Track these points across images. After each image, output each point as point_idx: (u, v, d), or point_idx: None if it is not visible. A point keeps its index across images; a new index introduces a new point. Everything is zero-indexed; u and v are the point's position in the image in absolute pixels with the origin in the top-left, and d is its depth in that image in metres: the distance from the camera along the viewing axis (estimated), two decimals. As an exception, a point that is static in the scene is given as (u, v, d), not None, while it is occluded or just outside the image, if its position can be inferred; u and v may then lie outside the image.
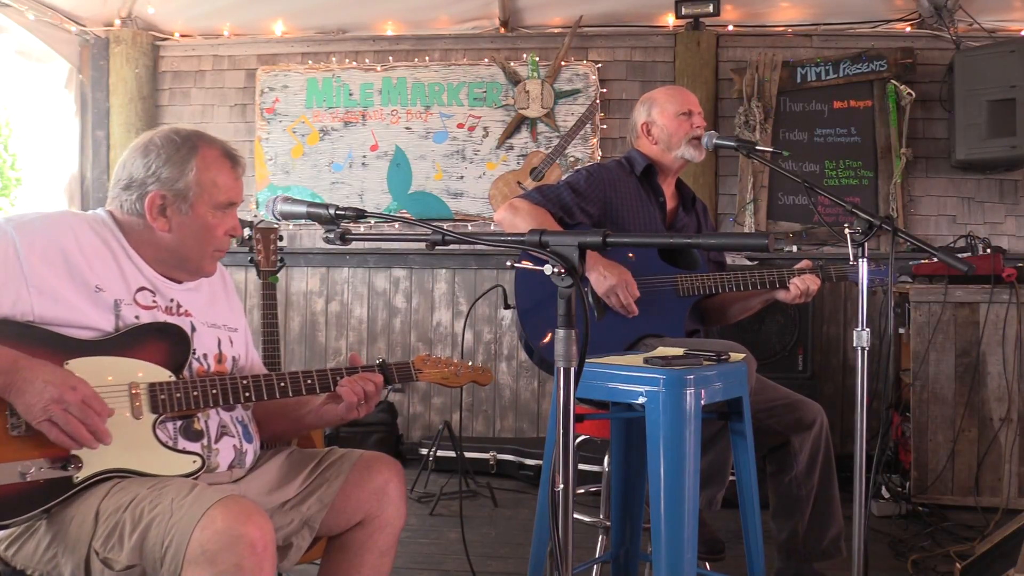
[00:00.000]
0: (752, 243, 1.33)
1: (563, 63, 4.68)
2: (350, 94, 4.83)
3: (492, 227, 4.63)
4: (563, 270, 1.30)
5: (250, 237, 2.77)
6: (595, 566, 2.50)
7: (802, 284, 2.52)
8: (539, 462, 4.11)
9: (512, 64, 4.72)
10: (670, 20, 4.66)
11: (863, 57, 4.48)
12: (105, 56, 4.84)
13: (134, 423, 1.57)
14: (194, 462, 1.61)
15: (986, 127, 4.02)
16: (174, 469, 1.58)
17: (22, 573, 1.55)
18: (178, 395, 1.62)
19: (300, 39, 4.89)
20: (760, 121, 4.47)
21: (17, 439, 1.48)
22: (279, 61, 4.89)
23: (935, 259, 2.09)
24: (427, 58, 4.81)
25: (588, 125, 4.68)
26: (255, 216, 4.68)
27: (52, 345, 1.53)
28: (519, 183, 4.68)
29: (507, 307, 2.59)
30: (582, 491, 3.29)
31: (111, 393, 1.56)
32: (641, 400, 1.92)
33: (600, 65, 4.71)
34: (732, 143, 2.47)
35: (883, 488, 3.68)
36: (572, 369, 1.33)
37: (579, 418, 2.28)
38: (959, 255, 2.88)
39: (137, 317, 1.64)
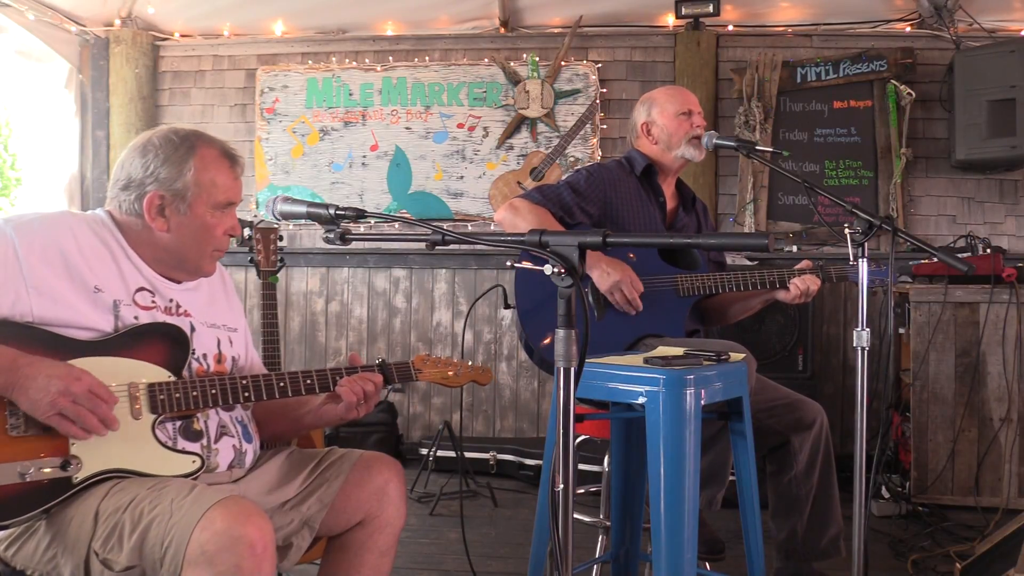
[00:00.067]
0: (752, 243, 1.33)
1: (563, 63, 4.68)
2: (350, 94, 4.83)
3: (492, 227, 4.63)
4: (563, 270, 1.30)
5: (250, 237, 2.77)
6: (595, 566, 2.50)
7: (802, 284, 2.52)
8: (539, 462, 4.11)
9: (512, 64, 4.71)
10: (670, 20, 4.66)
11: (863, 57, 4.48)
12: (105, 56, 4.84)
13: (133, 423, 1.57)
14: (193, 462, 1.61)
15: (986, 127, 4.02)
16: (173, 469, 1.58)
17: (22, 573, 1.55)
18: (177, 395, 1.62)
19: (300, 39, 4.89)
20: (760, 121, 4.47)
21: (16, 439, 1.48)
22: (279, 61, 4.89)
23: (935, 259, 2.09)
24: (427, 58, 4.81)
25: (588, 125, 4.68)
26: (255, 216, 4.68)
27: (51, 346, 1.53)
28: (519, 183, 4.68)
29: (507, 307, 2.59)
30: (582, 491, 3.29)
31: (111, 393, 1.56)
32: (641, 400, 1.92)
33: (600, 65, 4.71)
34: (732, 143, 2.47)
35: (883, 488, 3.68)
36: (572, 369, 1.33)
37: (579, 418, 2.28)
38: (959, 255, 2.88)
39: (136, 317, 1.64)
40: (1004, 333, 3.58)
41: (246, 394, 1.71)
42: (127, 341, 1.61)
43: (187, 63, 4.97)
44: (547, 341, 2.48)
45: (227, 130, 4.85)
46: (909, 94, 4.32)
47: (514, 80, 4.70)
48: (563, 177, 2.88)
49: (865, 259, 2.02)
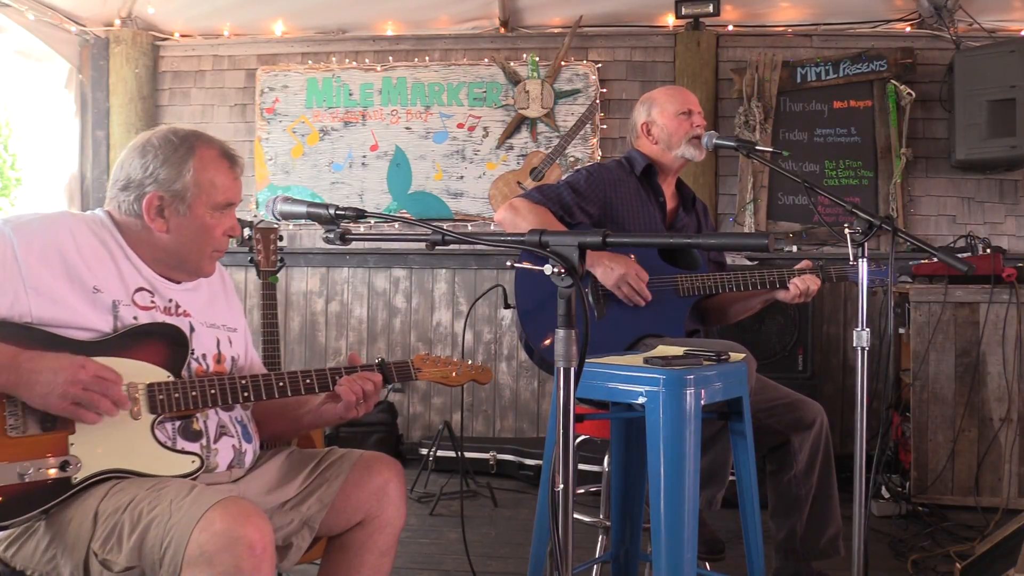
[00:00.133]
0: (752, 243, 1.33)
1: (563, 63, 4.68)
2: (350, 94, 4.82)
3: (492, 227, 4.63)
4: (563, 270, 1.30)
5: (250, 237, 2.76)
6: (595, 566, 2.50)
7: (802, 284, 2.51)
8: (539, 462, 4.11)
9: (512, 64, 4.71)
10: (670, 20, 4.66)
11: (863, 57, 4.48)
12: (105, 56, 4.84)
13: (133, 423, 1.57)
14: (193, 462, 1.61)
15: (986, 127, 4.02)
16: (173, 469, 1.58)
17: (21, 574, 1.55)
18: (176, 395, 1.62)
19: (300, 39, 4.89)
20: (760, 121, 4.47)
21: (16, 440, 1.48)
22: (279, 61, 4.89)
23: (935, 259, 2.09)
24: (427, 58, 4.81)
25: (588, 125, 4.68)
26: (255, 216, 4.68)
27: (50, 346, 1.53)
28: (519, 183, 4.68)
29: (507, 307, 2.59)
30: (582, 491, 3.29)
31: (110, 393, 1.56)
32: (641, 400, 1.92)
33: (600, 65, 4.70)
34: (732, 143, 2.47)
35: (883, 488, 3.68)
36: (572, 369, 1.33)
37: (579, 418, 2.27)
38: (959, 255, 2.87)
39: (135, 318, 1.64)
40: (1004, 333, 3.58)
41: (245, 394, 1.70)
42: (126, 341, 1.61)
43: (187, 63, 4.97)
44: (547, 342, 2.47)
45: (227, 130, 4.85)
46: (909, 94, 4.32)
47: (514, 80, 4.70)
48: (563, 177, 2.88)
49: (865, 259, 2.02)
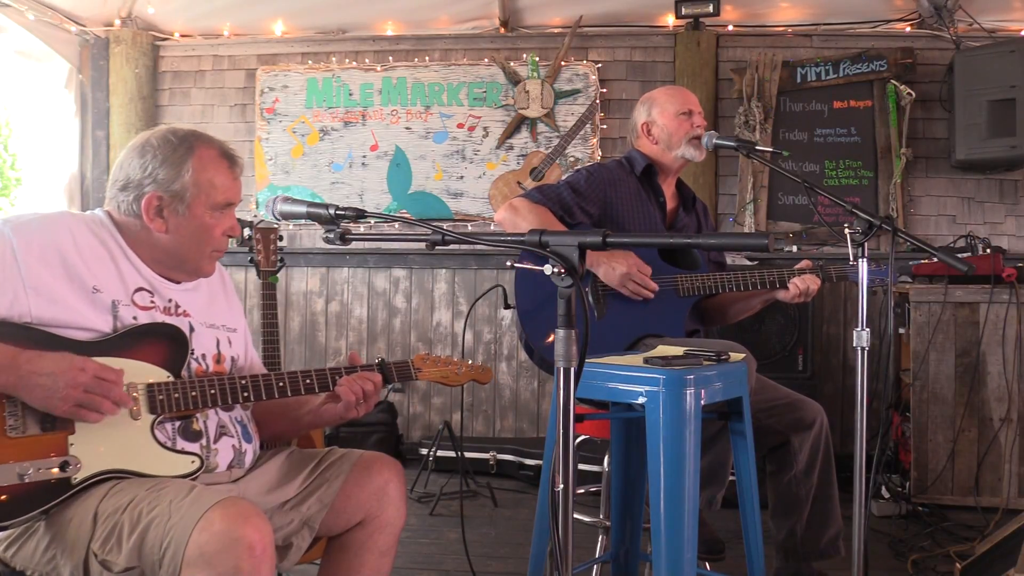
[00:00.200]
0: (752, 243, 1.33)
1: (563, 63, 4.68)
2: (350, 94, 4.82)
3: (492, 227, 4.63)
4: (563, 270, 1.30)
5: (250, 237, 2.77)
6: (595, 566, 2.50)
7: (802, 284, 2.51)
8: (539, 462, 4.11)
9: (512, 64, 4.71)
10: (670, 20, 4.66)
11: (863, 57, 4.48)
12: (105, 56, 4.84)
13: (132, 424, 1.57)
14: (193, 462, 1.61)
15: (986, 127, 4.02)
16: (173, 470, 1.58)
17: (21, 574, 1.55)
18: (176, 396, 1.62)
19: (300, 39, 4.89)
20: (760, 121, 4.47)
21: (15, 440, 1.48)
22: (279, 61, 4.89)
23: (935, 259, 2.09)
24: (427, 58, 4.81)
25: (588, 125, 4.68)
26: (255, 216, 4.68)
27: (49, 346, 1.53)
28: (519, 183, 4.68)
29: (507, 307, 2.59)
30: (582, 491, 3.29)
31: (110, 393, 1.56)
32: (641, 400, 1.92)
33: (600, 65, 4.70)
34: (732, 143, 2.47)
35: (883, 488, 3.68)
36: (572, 369, 1.33)
37: (579, 418, 2.27)
38: (959, 255, 2.87)
39: (135, 318, 1.64)
40: (1004, 333, 3.58)
41: (245, 394, 1.70)
42: (126, 341, 1.60)
43: (187, 63, 4.97)
44: (548, 341, 2.47)
45: (227, 130, 4.85)
46: (909, 94, 4.32)
47: (514, 80, 4.70)
48: (563, 177, 2.88)
49: (865, 259, 2.02)
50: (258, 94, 4.86)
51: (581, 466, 3.82)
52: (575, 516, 1.55)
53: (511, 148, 4.73)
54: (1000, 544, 2.47)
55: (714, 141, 2.54)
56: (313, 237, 4.84)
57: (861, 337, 2.02)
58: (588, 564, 2.46)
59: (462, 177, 4.76)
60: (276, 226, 2.78)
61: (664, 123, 2.69)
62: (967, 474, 3.59)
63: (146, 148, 1.68)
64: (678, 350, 2.13)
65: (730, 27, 4.64)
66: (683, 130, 2.66)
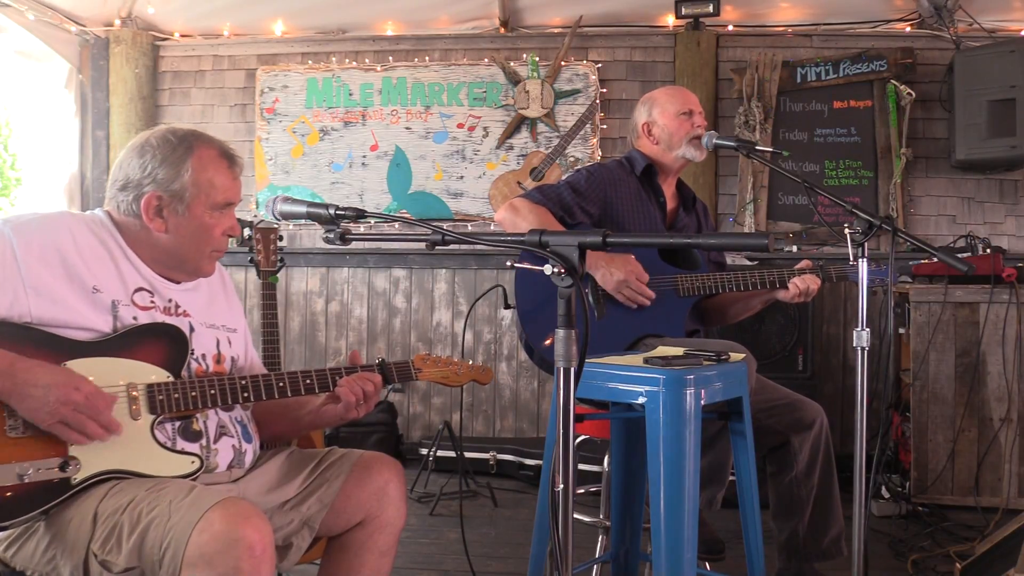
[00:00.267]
0: (752, 243, 1.33)
1: (563, 63, 4.68)
2: (350, 94, 4.82)
3: (492, 227, 4.63)
4: (563, 270, 1.30)
5: (250, 237, 2.77)
6: (595, 566, 2.50)
7: (802, 284, 2.51)
8: (539, 462, 4.11)
9: (512, 64, 4.71)
10: (670, 20, 4.66)
11: (863, 57, 4.48)
12: (105, 56, 4.84)
13: (132, 424, 1.57)
14: (192, 463, 1.61)
15: (986, 127, 4.02)
16: (172, 470, 1.58)
17: (21, 574, 1.55)
18: (176, 396, 1.62)
19: (300, 39, 4.89)
20: (760, 121, 4.47)
21: (15, 440, 1.48)
22: (279, 61, 4.89)
23: (935, 259, 2.09)
24: (427, 58, 4.81)
25: (588, 125, 4.68)
26: (255, 216, 4.69)
27: (50, 346, 1.53)
28: (519, 183, 4.68)
29: (507, 307, 2.59)
30: (582, 491, 3.29)
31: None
32: (641, 400, 1.92)
33: (600, 65, 4.70)
34: (732, 143, 2.47)
35: (883, 488, 3.68)
36: (572, 369, 1.33)
37: (579, 418, 2.27)
38: (959, 255, 2.87)
39: (135, 318, 1.64)
40: (1004, 333, 3.58)
41: (245, 394, 1.70)
42: (126, 341, 1.60)
43: (187, 63, 4.97)
44: (548, 343, 2.47)
45: (227, 130, 4.85)
46: (909, 94, 4.32)
47: (514, 80, 4.70)
48: (563, 177, 2.88)
49: (865, 259, 2.02)
50: (258, 94, 4.86)
51: (581, 466, 3.82)
52: (575, 516, 1.55)
53: (511, 148, 4.73)
54: (1000, 544, 2.47)
55: (714, 141, 2.54)
56: (313, 237, 4.84)
57: (861, 337, 2.02)
58: (588, 564, 2.46)
59: (462, 177, 4.76)
60: (276, 226, 2.78)
61: (665, 123, 2.69)
62: (967, 474, 3.59)
63: (145, 148, 1.68)
64: (678, 350, 2.13)
65: (730, 27, 4.64)
66: (684, 130, 2.66)
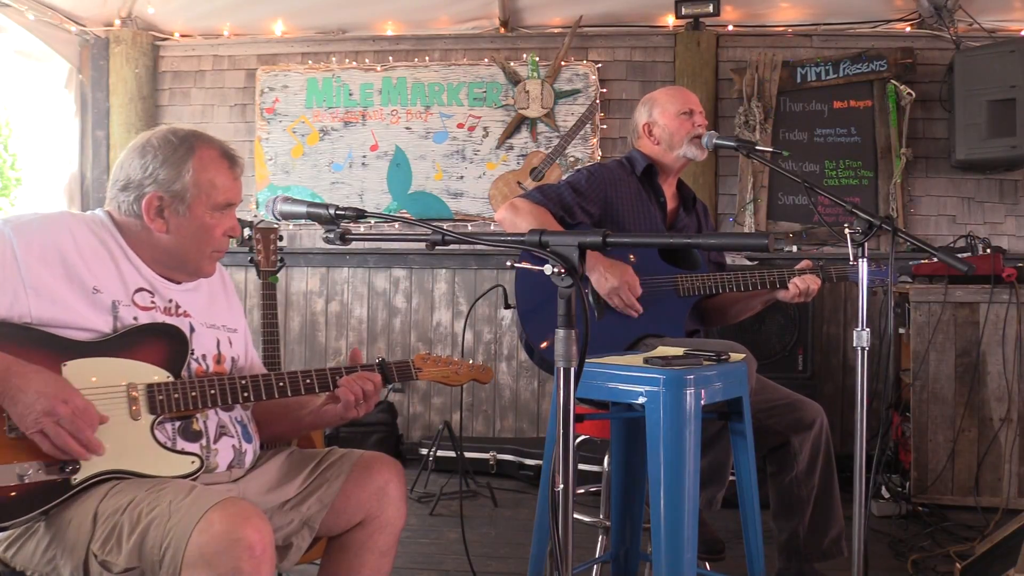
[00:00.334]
0: (752, 243, 1.33)
1: (563, 63, 4.68)
2: (350, 94, 4.82)
3: (492, 227, 4.63)
4: (563, 270, 1.30)
5: (250, 237, 2.77)
6: (595, 566, 2.50)
7: (802, 284, 2.51)
8: (539, 462, 4.11)
9: (512, 64, 4.71)
10: (670, 20, 4.66)
11: (863, 57, 4.48)
12: (105, 56, 4.84)
13: (132, 424, 1.57)
14: (193, 463, 1.61)
15: (986, 127, 4.02)
16: (173, 470, 1.58)
17: (21, 575, 1.55)
18: (176, 396, 1.62)
19: (300, 39, 4.89)
20: (760, 121, 4.47)
21: (15, 441, 1.48)
22: (279, 61, 4.89)
23: (935, 259, 2.09)
24: (427, 58, 4.81)
25: (588, 125, 4.68)
26: (255, 216, 4.68)
27: (49, 347, 1.53)
28: (519, 183, 4.68)
29: (507, 307, 2.59)
30: (582, 491, 3.29)
31: (108, 394, 1.56)
32: (641, 400, 1.92)
33: (600, 65, 4.70)
34: (732, 143, 2.47)
35: (883, 488, 3.68)
36: (572, 369, 1.33)
37: (579, 418, 2.27)
38: (959, 255, 2.87)
39: (135, 318, 1.64)
40: (1004, 333, 3.58)
41: (245, 394, 1.70)
42: (126, 341, 1.60)
43: (187, 63, 4.97)
44: (545, 345, 2.47)
45: (227, 130, 4.85)
46: (909, 94, 4.32)
47: (514, 80, 4.70)
48: (563, 177, 2.88)
49: (865, 259, 2.02)
50: (258, 94, 4.86)
51: (581, 466, 3.82)
52: (575, 516, 1.55)
53: (511, 148, 4.73)
54: (1000, 544, 2.47)
55: (714, 141, 2.54)
56: (313, 237, 4.84)
57: (861, 337, 2.02)
58: (588, 564, 2.46)
59: (462, 177, 4.76)
60: (276, 226, 2.78)
61: (665, 123, 2.69)
62: (967, 474, 3.59)
63: (147, 148, 1.67)
64: (678, 350, 2.13)
65: (730, 27, 4.64)
66: (684, 130, 2.66)
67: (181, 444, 1.63)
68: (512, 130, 4.71)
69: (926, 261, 3.64)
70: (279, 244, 2.80)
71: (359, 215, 1.48)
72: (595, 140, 4.67)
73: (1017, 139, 3.94)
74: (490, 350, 4.76)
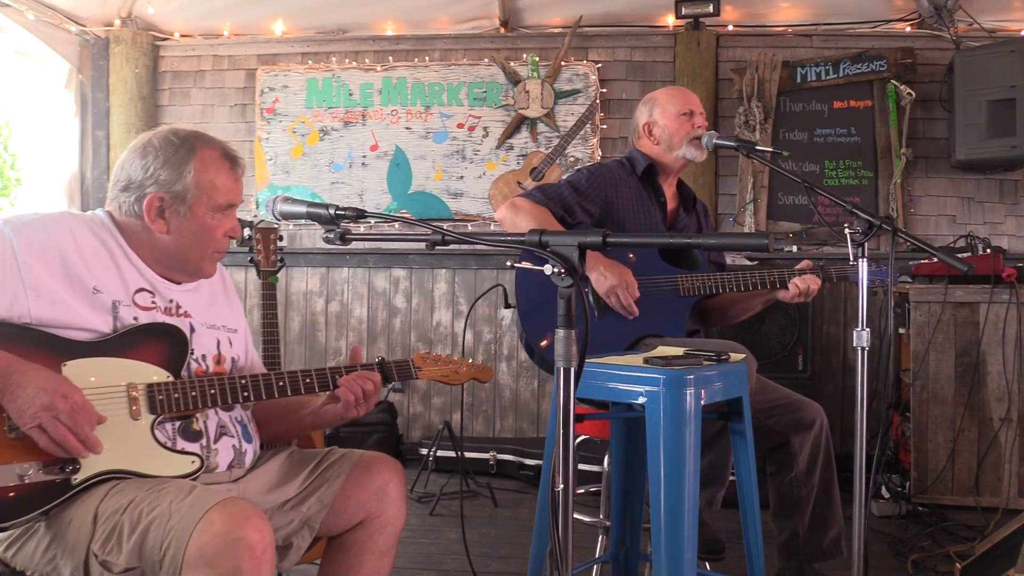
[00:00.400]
0: (752, 243, 1.33)
1: (563, 63, 4.68)
2: (350, 94, 4.82)
3: (492, 227, 4.63)
4: (563, 270, 1.30)
5: (250, 237, 2.77)
6: (595, 566, 2.50)
7: (802, 284, 2.52)
8: (539, 462, 4.11)
9: (512, 64, 4.71)
10: (670, 20, 4.66)
11: (863, 57, 4.48)
12: (105, 56, 4.84)
13: (132, 424, 1.57)
14: (193, 462, 1.61)
15: (986, 127, 4.02)
16: (173, 470, 1.58)
17: (22, 574, 1.55)
18: (176, 396, 1.62)
19: (300, 39, 4.89)
20: (760, 121, 4.47)
21: (15, 441, 1.48)
22: (279, 61, 4.89)
23: (935, 259, 2.09)
24: (427, 58, 4.81)
25: (588, 125, 4.68)
26: (255, 216, 4.68)
27: (49, 347, 1.53)
28: (519, 183, 4.68)
29: (507, 307, 2.59)
30: (582, 491, 3.29)
31: (108, 394, 1.56)
32: (641, 400, 1.92)
33: (600, 65, 4.70)
34: (732, 143, 2.47)
35: (883, 488, 3.68)
36: (572, 369, 1.33)
37: (579, 418, 2.27)
38: (959, 255, 2.87)
39: (136, 318, 1.64)
40: (1004, 333, 3.58)
41: (245, 394, 1.70)
42: (126, 341, 1.60)
43: (187, 63, 4.97)
44: (544, 344, 2.47)
45: (227, 130, 4.85)
46: (909, 94, 4.32)
47: (514, 80, 4.70)
48: (564, 177, 2.88)
49: (865, 259, 2.02)
50: (258, 94, 4.86)
51: (581, 466, 3.82)
52: (575, 516, 1.55)
53: (511, 148, 4.73)
54: (1000, 544, 2.47)
55: (714, 141, 2.54)
56: (313, 237, 4.84)
57: (861, 337, 2.02)
58: (588, 564, 2.46)
59: (462, 177, 4.76)
60: (276, 226, 2.78)
61: (665, 123, 2.69)
62: (967, 474, 3.59)
63: (148, 149, 1.68)
64: (678, 350, 2.13)
65: (730, 27, 4.64)
66: (684, 130, 2.67)
67: (181, 444, 1.63)
68: (512, 130, 4.71)
69: (926, 261, 3.64)
70: (279, 244, 2.80)
71: (359, 215, 1.48)
72: (595, 140, 4.67)
73: (1017, 139, 3.94)
74: (490, 350, 4.76)
